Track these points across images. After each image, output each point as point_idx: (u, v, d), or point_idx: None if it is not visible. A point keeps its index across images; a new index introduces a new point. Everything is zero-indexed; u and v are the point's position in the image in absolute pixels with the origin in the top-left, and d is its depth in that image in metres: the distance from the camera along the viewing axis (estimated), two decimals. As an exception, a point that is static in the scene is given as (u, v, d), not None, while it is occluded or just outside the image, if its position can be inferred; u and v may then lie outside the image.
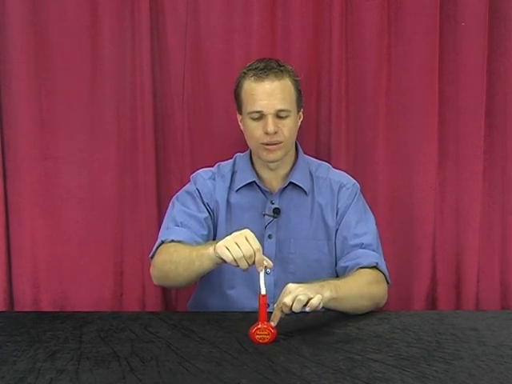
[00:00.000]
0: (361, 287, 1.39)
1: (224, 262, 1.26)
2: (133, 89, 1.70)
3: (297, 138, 1.60)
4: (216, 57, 1.72)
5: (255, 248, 1.22)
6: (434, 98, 1.72)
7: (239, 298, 1.50)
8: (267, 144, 1.45)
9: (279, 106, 1.44)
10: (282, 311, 1.22)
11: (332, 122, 1.73)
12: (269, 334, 1.19)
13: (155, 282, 1.50)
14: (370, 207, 1.59)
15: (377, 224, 1.56)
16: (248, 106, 1.46)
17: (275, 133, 1.43)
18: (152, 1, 1.68)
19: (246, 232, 1.25)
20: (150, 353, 1.15)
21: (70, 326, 1.32)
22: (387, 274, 1.48)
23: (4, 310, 1.70)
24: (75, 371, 1.06)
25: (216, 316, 1.38)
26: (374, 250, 1.49)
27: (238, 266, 1.24)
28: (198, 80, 1.73)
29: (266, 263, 1.24)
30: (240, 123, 1.55)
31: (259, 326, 1.19)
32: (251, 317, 1.25)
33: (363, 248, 1.48)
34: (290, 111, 1.46)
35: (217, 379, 1.02)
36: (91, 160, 1.72)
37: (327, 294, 1.26)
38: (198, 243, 1.42)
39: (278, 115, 1.45)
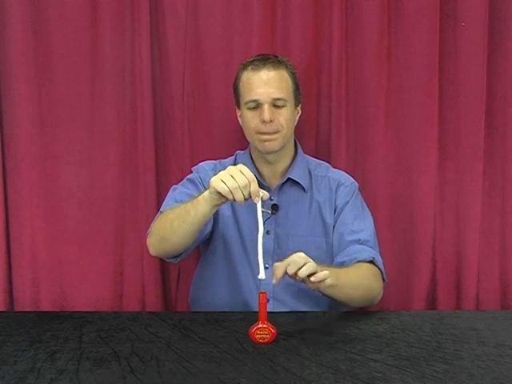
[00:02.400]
0: (360, 279, 1.39)
1: (220, 198, 1.25)
2: (133, 89, 1.70)
3: (297, 137, 1.61)
4: (216, 57, 1.72)
5: (250, 178, 1.22)
6: (433, 98, 1.72)
7: (244, 289, 1.52)
8: (263, 133, 1.46)
9: (275, 95, 1.45)
10: (286, 271, 1.20)
11: (332, 122, 1.73)
12: (269, 334, 1.19)
13: (152, 251, 1.48)
14: (370, 207, 1.59)
15: (376, 224, 1.56)
16: (245, 96, 1.48)
17: (271, 121, 1.44)
18: (152, 1, 1.69)
19: (240, 165, 1.25)
20: (150, 353, 1.15)
21: (70, 325, 1.32)
22: (384, 271, 1.48)
23: (4, 310, 1.70)
24: (75, 371, 1.06)
25: (216, 316, 1.38)
26: (371, 247, 1.49)
27: (234, 199, 1.22)
28: (198, 80, 1.73)
29: (261, 193, 1.23)
30: (239, 119, 1.56)
31: (259, 325, 1.19)
32: (251, 317, 1.25)
33: (360, 244, 1.48)
34: (286, 101, 1.48)
35: (217, 379, 1.02)
36: (91, 160, 1.72)
37: (328, 279, 1.25)
38: None
39: (275, 104, 1.46)
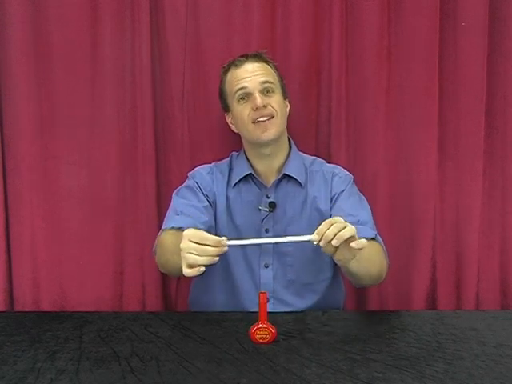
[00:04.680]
0: (373, 252, 1.39)
1: None
2: (133, 89, 1.70)
3: (296, 137, 1.61)
4: (216, 57, 1.71)
5: (204, 242, 1.14)
6: (433, 98, 1.72)
7: (242, 291, 1.51)
8: (258, 121, 1.46)
9: (263, 78, 1.48)
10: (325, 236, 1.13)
11: (332, 122, 1.73)
12: (269, 334, 1.19)
13: (160, 270, 1.51)
14: (370, 207, 1.58)
15: (376, 223, 1.55)
16: (233, 89, 1.50)
17: (264, 107, 1.45)
18: (152, 1, 1.69)
19: (185, 235, 1.15)
20: (150, 353, 1.15)
21: (70, 325, 1.32)
22: (385, 250, 1.47)
23: (4, 310, 1.71)
24: (75, 371, 1.06)
25: (216, 316, 1.38)
26: (371, 228, 1.48)
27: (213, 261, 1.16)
28: (198, 80, 1.73)
29: (220, 239, 1.14)
30: (231, 124, 1.56)
31: (259, 325, 1.19)
32: (251, 317, 1.25)
33: (360, 224, 1.43)
34: (274, 85, 1.50)
35: (217, 379, 1.02)
36: (91, 160, 1.72)
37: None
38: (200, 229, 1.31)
39: (264, 91, 1.48)
